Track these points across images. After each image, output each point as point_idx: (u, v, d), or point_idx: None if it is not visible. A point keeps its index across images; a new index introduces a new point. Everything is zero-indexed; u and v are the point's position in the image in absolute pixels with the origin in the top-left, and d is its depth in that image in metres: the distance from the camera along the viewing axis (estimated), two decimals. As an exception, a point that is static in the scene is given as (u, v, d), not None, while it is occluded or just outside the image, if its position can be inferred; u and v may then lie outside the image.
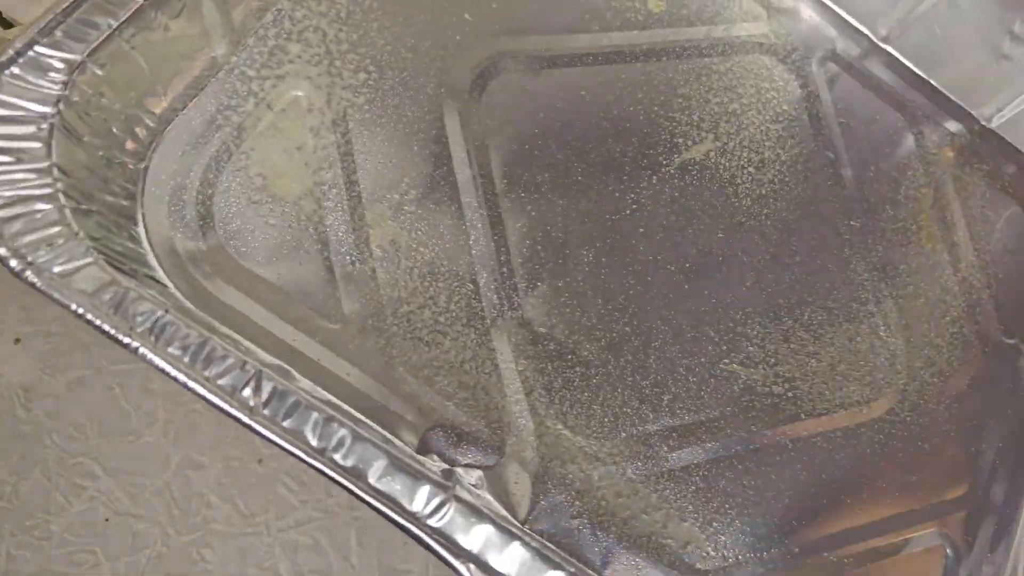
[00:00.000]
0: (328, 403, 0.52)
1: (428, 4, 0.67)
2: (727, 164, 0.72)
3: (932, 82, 0.79)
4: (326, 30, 0.64)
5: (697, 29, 0.74)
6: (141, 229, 0.56)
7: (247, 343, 0.54)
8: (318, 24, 0.64)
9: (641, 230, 0.68)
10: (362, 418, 0.55)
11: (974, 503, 0.70)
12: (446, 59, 0.66)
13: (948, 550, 0.68)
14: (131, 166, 0.57)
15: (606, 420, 0.63)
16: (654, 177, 0.69)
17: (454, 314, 0.61)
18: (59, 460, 0.61)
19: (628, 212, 0.68)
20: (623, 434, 0.63)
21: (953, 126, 0.79)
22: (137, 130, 0.57)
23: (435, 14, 0.67)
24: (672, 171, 0.70)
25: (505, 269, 0.63)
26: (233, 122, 0.60)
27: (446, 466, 0.56)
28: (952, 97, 0.79)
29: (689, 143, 0.71)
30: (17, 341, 0.63)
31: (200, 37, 0.59)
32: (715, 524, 0.62)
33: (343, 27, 0.64)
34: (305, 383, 0.53)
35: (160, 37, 0.57)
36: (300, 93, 0.62)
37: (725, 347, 0.67)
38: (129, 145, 0.57)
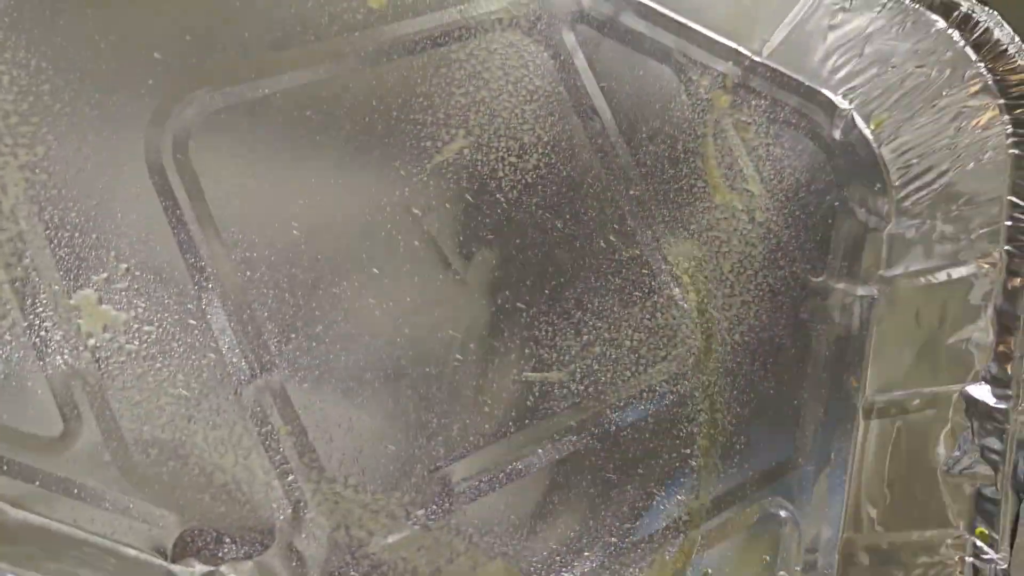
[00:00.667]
0: (35, 540, 0.46)
1: (108, 51, 0.59)
2: (484, 159, 0.66)
3: (692, 25, 0.75)
4: (-13, 104, 0.56)
5: (427, 17, 0.68)
6: None
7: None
8: (-23, 99, 0.56)
9: (401, 250, 0.62)
10: (97, 541, 0.49)
11: (805, 459, 0.67)
12: (140, 108, 0.59)
13: (783, 513, 0.65)
14: None
15: (392, 468, 0.58)
16: (405, 190, 0.64)
17: (197, 391, 0.55)
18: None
19: (383, 234, 0.62)
20: (413, 479, 0.58)
21: (722, 66, 0.75)
22: None
23: (118, 61, 0.59)
24: (424, 179, 0.64)
25: (250, 328, 0.57)
26: None
27: (208, 569, 0.50)
28: (716, 37, 0.75)
29: (439, 144, 0.65)
30: None
31: None
32: (526, 551, 0.58)
33: (7, 97, 0.56)
34: (12, 520, 0.47)
35: None
36: (-34, 183, 0.54)
37: (514, 356, 0.63)
38: None
